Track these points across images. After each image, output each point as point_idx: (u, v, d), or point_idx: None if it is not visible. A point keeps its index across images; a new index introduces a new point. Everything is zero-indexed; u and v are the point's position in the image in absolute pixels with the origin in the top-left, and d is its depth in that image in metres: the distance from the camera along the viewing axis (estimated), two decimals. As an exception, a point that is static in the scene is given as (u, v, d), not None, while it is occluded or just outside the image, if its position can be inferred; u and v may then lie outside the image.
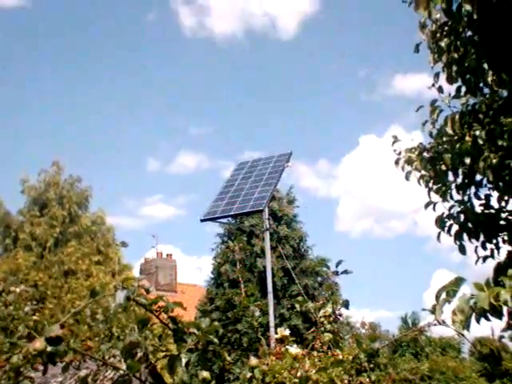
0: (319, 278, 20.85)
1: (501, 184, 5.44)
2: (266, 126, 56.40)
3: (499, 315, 2.55)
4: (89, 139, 53.85)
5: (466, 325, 2.55)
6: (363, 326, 41.09)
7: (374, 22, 56.50)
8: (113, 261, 24.49)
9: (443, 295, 2.64)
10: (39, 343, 3.34)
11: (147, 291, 3.73)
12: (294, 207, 22.36)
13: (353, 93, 58.97)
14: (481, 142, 5.08)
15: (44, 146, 50.60)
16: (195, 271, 61.97)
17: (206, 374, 4.09)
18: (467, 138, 5.11)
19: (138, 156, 58.26)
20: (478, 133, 5.07)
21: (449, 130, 5.32)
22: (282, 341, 8.31)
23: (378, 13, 57.49)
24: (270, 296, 13.66)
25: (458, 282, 2.65)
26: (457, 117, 5.25)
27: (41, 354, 3.43)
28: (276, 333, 8.93)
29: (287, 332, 8.48)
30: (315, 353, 7.46)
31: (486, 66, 5.13)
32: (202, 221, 13.56)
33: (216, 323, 4.09)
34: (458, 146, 5.23)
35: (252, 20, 56.88)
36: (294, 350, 7.16)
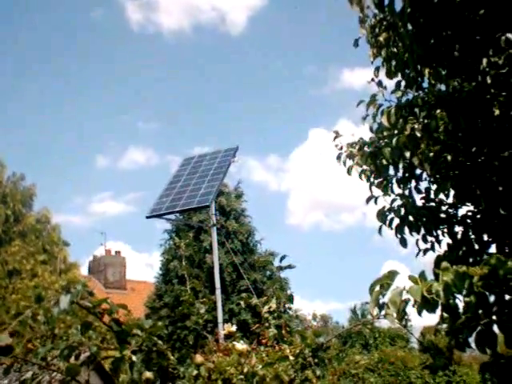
0: (268, 273, 20.93)
1: (438, 177, 5.53)
2: (216, 121, 56.35)
3: (432, 308, 2.58)
4: (35, 137, 52.95)
5: (400, 317, 2.58)
6: (315, 319, 41.56)
7: (322, 18, 56.95)
8: (58, 260, 24.11)
9: (377, 288, 2.67)
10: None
11: (91, 294, 3.68)
12: (242, 202, 22.39)
13: (302, 87, 59.37)
14: (418, 135, 5.15)
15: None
16: (146, 268, 61.54)
17: (149, 374, 4.06)
18: (405, 132, 5.18)
19: (87, 153, 57.47)
20: (416, 126, 5.14)
21: (385, 123, 5.38)
22: (229, 336, 8.31)
23: (326, 8, 57.96)
24: (218, 292, 13.64)
25: (392, 275, 2.68)
26: (393, 110, 5.31)
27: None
28: (223, 329, 8.91)
29: (234, 328, 8.48)
30: (262, 348, 7.49)
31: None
32: (147, 217, 13.44)
33: (160, 323, 4.05)
34: (395, 139, 5.29)
35: (200, 15, 56.63)
36: (241, 345, 7.16)
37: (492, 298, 2.56)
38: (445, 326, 2.81)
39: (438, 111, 5.04)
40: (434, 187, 5.84)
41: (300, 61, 57.59)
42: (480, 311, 2.56)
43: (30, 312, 3.65)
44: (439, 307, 2.63)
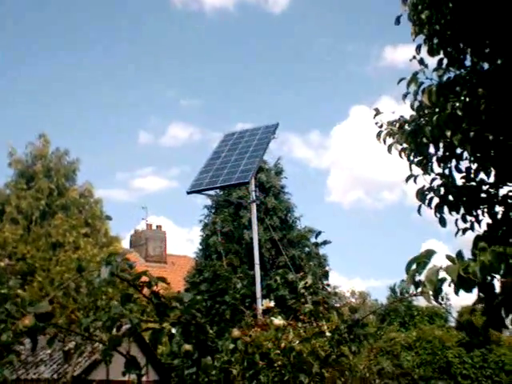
0: (306, 249, 20.97)
1: (479, 156, 5.47)
2: (258, 98, 56.24)
3: (469, 287, 2.60)
4: (80, 113, 53.65)
5: (436, 295, 2.60)
6: (353, 295, 41.55)
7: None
8: (100, 233, 24.50)
9: (414, 266, 2.69)
10: (28, 320, 3.38)
11: (131, 267, 3.77)
12: (281, 178, 22.42)
13: (344, 65, 58.80)
14: (459, 113, 5.08)
15: (32, 119, 50.27)
16: (187, 243, 62.19)
17: (188, 346, 4.16)
18: (447, 111, 5.12)
19: (130, 129, 58.14)
20: (457, 105, 5.07)
21: (426, 101, 5.33)
22: (267, 311, 8.40)
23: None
24: (257, 267, 13.78)
25: (429, 254, 2.70)
26: (434, 89, 5.24)
27: (30, 331, 3.48)
28: (262, 304, 8.98)
29: (272, 303, 8.57)
30: (299, 324, 7.56)
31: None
32: (188, 193, 13.59)
33: (198, 297, 4.14)
34: (435, 118, 5.23)
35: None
36: (278, 321, 7.25)
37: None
38: (481, 305, 2.82)
39: (480, 90, 4.97)
40: (474, 166, 5.78)
41: (342, 38, 56.96)
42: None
43: (73, 283, 3.75)
44: (476, 287, 2.65)
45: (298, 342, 6.24)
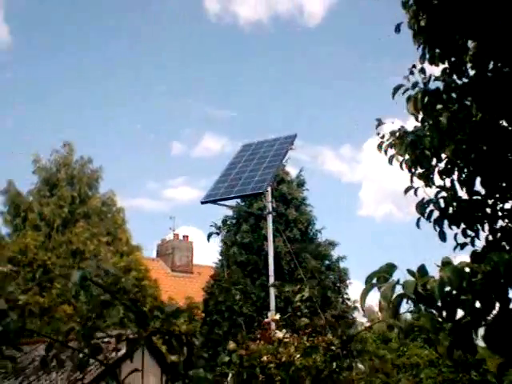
0: (326, 262, 20.77)
1: (474, 169, 5.28)
2: (291, 110, 56.14)
3: (428, 304, 2.44)
4: (115, 124, 54.44)
5: (393, 312, 2.45)
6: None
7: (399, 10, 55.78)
8: (122, 242, 24.57)
9: (374, 281, 2.55)
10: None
11: (106, 272, 3.69)
12: (303, 190, 22.27)
13: (376, 78, 58.46)
14: (445, 123, 4.89)
15: (60, 127, 50.86)
16: (216, 253, 62.25)
17: (173, 357, 4.07)
18: (442, 120, 4.94)
19: (164, 140, 58.72)
20: (444, 113, 4.89)
21: (411, 110, 5.17)
22: (267, 324, 8.23)
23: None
24: (271, 279, 13.63)
25: (390, 268, 2.55)
26: (419, 96, 5.07)
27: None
28: (267, 316, 8.85)
29: (277, 316, 8.43)
30: (305, 338, 7.40)
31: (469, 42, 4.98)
32: (202, 203, 13.52)
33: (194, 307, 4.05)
34: (427, 128, 5.07)
35: (278, 6, 56.53)
36: (281, 333, 7.11)
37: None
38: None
39: (468, 98, 4.78)
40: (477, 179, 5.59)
41: (375, 52, 56.62)
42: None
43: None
44: (436, 304, 2.49)
45: (298, 356, 6.11)
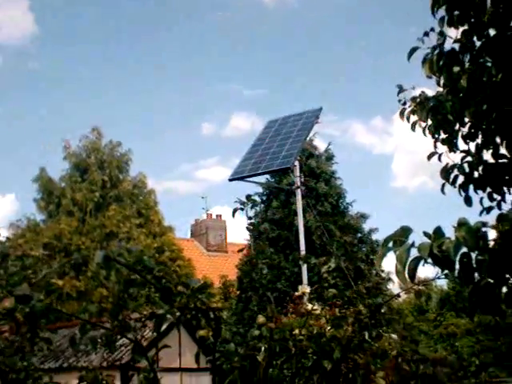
0: (359, 235, 20.66)
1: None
2: (321, 86, 55.70)
3: (445, 266, 2.40)
4: (142, 106, 54.72)
5: (409, 275, 2.41)
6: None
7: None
8: (154, 223, 24.77)
9: (390, 244, 2.51)
10: (8, 302, 3.39)
11: (129, 251, 3.71)
12: (332, 164, 22.10)
13: (407, 49, 57.54)
14: (464, 85, 4.77)
15: (91, 112, 51.26)
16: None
17: (202, 332, 4.11)
18: (461, 82, 4.83)
19: (193, 121, 58.95)
20: (461, 74, 4.77)
21: (426, 72, 5.05)
22: (301, 297, 8.24)
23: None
24: (303, 254, 13.65)
25: (405, 231, 2.51)
26: (435, 58, 4.95)
27: (10, 313, 3.47)
28: (297, 290, 8.85)
29: (308, 289, 8.44)
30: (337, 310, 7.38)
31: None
32: (230, 180, 13.52)
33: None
34: (445, 91, 4.96)
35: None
36: (310, 306, 7.10)
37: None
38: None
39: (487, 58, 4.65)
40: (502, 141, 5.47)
41: (406, 20, 55.74)
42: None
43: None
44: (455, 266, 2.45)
45: (329, 328, 6.11)
